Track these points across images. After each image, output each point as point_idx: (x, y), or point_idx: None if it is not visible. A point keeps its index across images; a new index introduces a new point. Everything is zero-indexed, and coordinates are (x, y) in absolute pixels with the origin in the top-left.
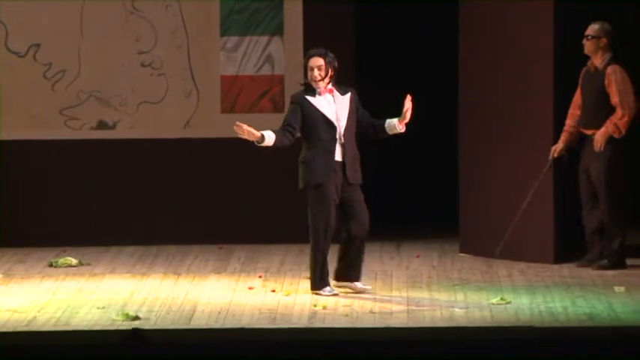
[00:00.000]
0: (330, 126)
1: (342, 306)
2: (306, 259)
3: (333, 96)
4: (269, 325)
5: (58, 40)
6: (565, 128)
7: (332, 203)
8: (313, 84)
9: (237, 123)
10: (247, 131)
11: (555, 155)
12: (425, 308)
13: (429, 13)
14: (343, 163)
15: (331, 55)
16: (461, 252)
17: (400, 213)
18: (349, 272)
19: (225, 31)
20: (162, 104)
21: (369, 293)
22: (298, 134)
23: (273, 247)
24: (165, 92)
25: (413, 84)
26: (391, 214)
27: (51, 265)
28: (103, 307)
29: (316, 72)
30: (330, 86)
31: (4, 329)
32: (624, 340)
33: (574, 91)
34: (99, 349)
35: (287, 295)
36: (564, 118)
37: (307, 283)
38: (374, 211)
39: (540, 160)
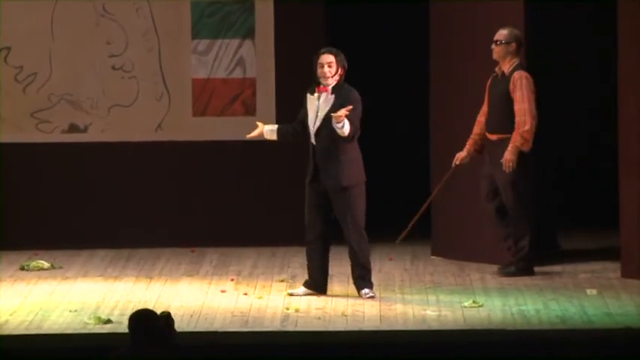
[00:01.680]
0: (309, 127)
1: (314, 309)
2: (278, 262)
3: (324, 96)
4: (241, 328)
5: (28, 43)
6: (471, 136)
7: (311, 205)
8: (322, 80)
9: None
10: (254, 135)
11: (458, 163)
12: (397, 311)
13: (399, 13)
14: (316, 166)
15: (342, 55)
16: (433, 255)
17: (372, 215)
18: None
19: (196, 34)
20: (134, 107)
21: (341, 297)
22: (300, 128)
23: (245, 250)
24: (137, 95)
25: (385, 85)
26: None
27: (22, 269)
28: (76, 311)
29: (326, 68)
30: (330, 85)
31: None
32: (597, 343)
33: (546, 91)
34: (71, 353)
35: (259, 299)
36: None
37: (280, 286)
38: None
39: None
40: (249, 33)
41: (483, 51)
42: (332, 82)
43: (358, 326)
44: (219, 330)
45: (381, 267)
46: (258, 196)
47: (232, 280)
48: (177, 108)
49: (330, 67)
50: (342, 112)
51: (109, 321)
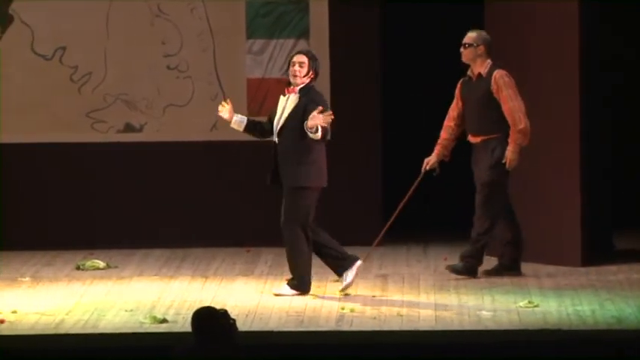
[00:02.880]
0: (275, 126)
1: (369, 309)
2: None
3: (292, 96)
4: (297, 327)
5: (84, 43)
6: (439, 141)
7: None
8: (292, 79)
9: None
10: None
11: (427, 168)
12: (452, 311)
13: (455, 13)
14: (277, 166)
15: (317, 59)
16: (488, 255)
17: (428, 216)
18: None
19: (251, 34)
20: (189, 107)
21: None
22: (269, 126)
23: None
24: (192, 95)
25: (440, 85)
26: (419, 217)
27: (78, 268)
28: (131, 310)
29: (297, 67)
30: (298, 86)
31: (32, 332)
32: None
33: (602, 92)
34: (127, 352)
35: (314, 298)
36: (591, 119)
37: (335, 286)
38: (401, 214)
39: (565, 164)
40: (303, 33)
41: (538, 51)
42: (300, 82)
43: (413, 326)
44: (275, 330)
45: (436, 267)
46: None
47: (287, 280)
48: (232, 108)
49: (301, 66)
50: (316, 119)
51: (164, 320)
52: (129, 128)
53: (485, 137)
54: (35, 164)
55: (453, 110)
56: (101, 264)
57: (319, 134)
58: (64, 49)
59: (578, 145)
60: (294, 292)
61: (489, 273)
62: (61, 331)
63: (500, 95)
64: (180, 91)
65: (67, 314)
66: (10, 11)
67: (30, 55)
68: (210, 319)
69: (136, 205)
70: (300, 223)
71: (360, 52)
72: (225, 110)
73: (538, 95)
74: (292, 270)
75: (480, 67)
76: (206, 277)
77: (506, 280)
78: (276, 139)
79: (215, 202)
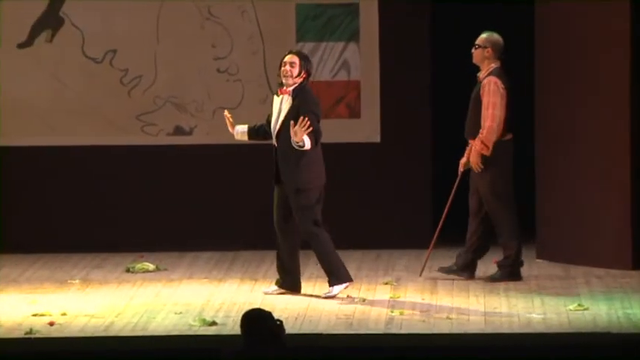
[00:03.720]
0: (272, 128)
1: (419, 311)
2: (383, 265)
3: (286, 98)
4: (346, 330)
5: (134, 45)
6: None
7: (276, 205)
8: (283, 79)
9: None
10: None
11: (462, 169)
12: (502, 314)
13: (505, 13)
14: (277, 167)
15: (309, 59)
16: (538, 258)
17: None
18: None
19: (301, 37)
20: (239, 110)
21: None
22: (269, 128)
23: (350, 252)
24: (242, 98)
25: None
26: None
27: (128, 271)
28: (181, 313)
29: (288, 67)
30: (291, 87)
31: (82, 334)
32: None
33: None
34: (176, 355)
35: (364, 301)
36: None
37: (384, 289)
38: (451, 218)
39: (615, 165)
40: (353, 35)
41: (588, 51)
42: (292, 82)
43: (463, 329)
44: (324, 332)
45: (486, 270)
46: (362, 199)
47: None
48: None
49: (292, 66)
50: (298, 133)
51: (213, 323)
52: (179, 131)
53: None
54: (86, 167)
55: None
56: (151, 266)
57: (308, 145)
58: (114, 52)
59: (629, 147)
60: (342, 286)
61: (443, 269)
62: (111, 333)
63: (482, 100)
64: (230, 94)
65: (116, 316)
66: (61, 14)
67: (80, 58)
68: (259, 321)
69: (186, 207)
70: (313, 222)
71: (410, 54)
72: (229, 123)
73: (587, 95)
74: (327, 268)
75: (484, 69)
76: (255, 280)
77: (556, 283)
78: (275, 141)
79: (265, 204)
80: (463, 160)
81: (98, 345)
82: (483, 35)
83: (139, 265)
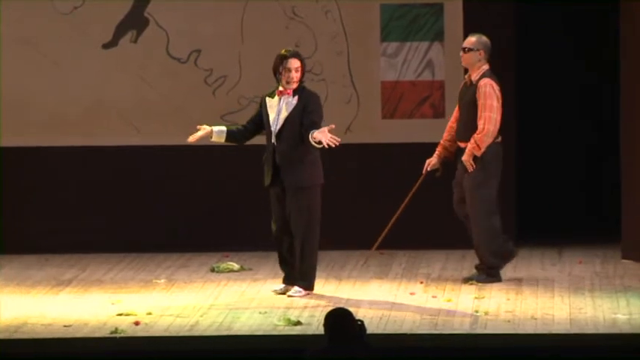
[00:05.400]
0: (270, 129)
1: (503, 312)
2: (467, 265)
3: (286, 98)
4: (430, 330)
5: (218, 46)
6: (441, 142)
7: (274, 206)
8: (285, 85)
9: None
10: (198, 138)
11: (428, 169)
12: (587, 314)
13: (589, 12)
14: (278, 167)
15: (303, 56)
16: (623, 258)
17: (562, 219)
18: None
19: (385, 37)
20: (323, 110)
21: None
22: (252, 132)
23: (434, 252)
24: (326, 98)
25: (573, 85)
26: (553, 221)
27: (213, 271)
28: (265, 312)
29: (294, 73)
30: (292, 88)
31: (167, 334)
32: None
33: None
34: (261, 354)
35: (448, 301)
36: None
37: (469, 289)
38: (535, 218)
39: None
40: (438, 35)
41: None
42: (295, 86)
43: (548, 329)
44: (408, 332)
45: (571, 270)
46: (448, 199)
47: (421, 282)
48: (366, 110)
49: (297, 72)
50: (324, 135)
51: (298, 322)
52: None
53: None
54: (170, 167)
55: (456, 112)
56: (235, 266)
57: (321, 145)
58: (198, 52)
59: None
60: (305, 293)
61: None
62: (196, 332)
63: (479, 104)
64: None
65: (201, 316)
66: (146, 15)
67: (165, 58)
68: (342, 321)
69: (269, 206)
70: (317, 222)
71: (494, 54)
72: (198, 133)
73: None
74: (305, 270)
75: (475, 72)
76: (340, 280)
77: None
78: (274, 141)
79: (349, 203)
80: (432, 160)
81: (183, 344)
82: (472, 38)
83: (223, 265)
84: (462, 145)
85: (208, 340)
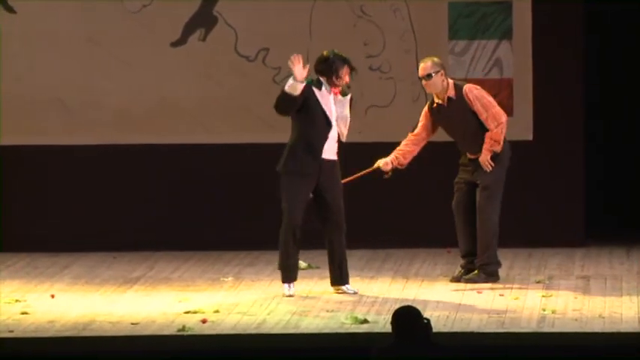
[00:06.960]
0: (327, 123)
1: (571, 310)
2: (535, 263)
3: (334, 96)
4: (497, 329)
5: (286, 44)
6: (398, 148)
7: (301, 197)
8: (337, 87)
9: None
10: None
11: (381, 166)
12: None
13: None
14: (330, 162)
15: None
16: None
17: (631, 218)
18: (334, 276)
19: (453, 35)
20: (391, 108)
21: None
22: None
23: (501, 250)
24: (394, 96)
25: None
26: (620, 220)
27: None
28: (332, 311)
29: (347, 77)
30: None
31: (234, 332)
32: None
33: None
34: (328, 353)
35: (516, 299)
36: None
37: (536, 287)
38: (604, 217)
39: None
40: (506, 33)
41: None
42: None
43: (615, 328)
44: (476, 331)
45: (639, 269)
46: (514, 197)
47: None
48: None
49: (348, 77)
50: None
51: (365, 321)
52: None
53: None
54: (238, 165)
55: (417, 133)
56: (303, 264)
57: None
58: (267, 50)
59: None
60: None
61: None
62: (263, 331)
63: (475, 109)
64: (383, 92)
65: (268, 314)
66: (215, 13)
67: (233, 56)
68: (410, 319)
69: None
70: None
71: (563, 52)
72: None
73: None
74: (346, 267)
75: (446, 91)
76: (407, 278)
77: None
78: (329, 133)
79: (416, 202)
80: (386, 161)
81: (250, 342)
82: (427, 63)
83: None
84: (471, 156)
85: (275, 339)
